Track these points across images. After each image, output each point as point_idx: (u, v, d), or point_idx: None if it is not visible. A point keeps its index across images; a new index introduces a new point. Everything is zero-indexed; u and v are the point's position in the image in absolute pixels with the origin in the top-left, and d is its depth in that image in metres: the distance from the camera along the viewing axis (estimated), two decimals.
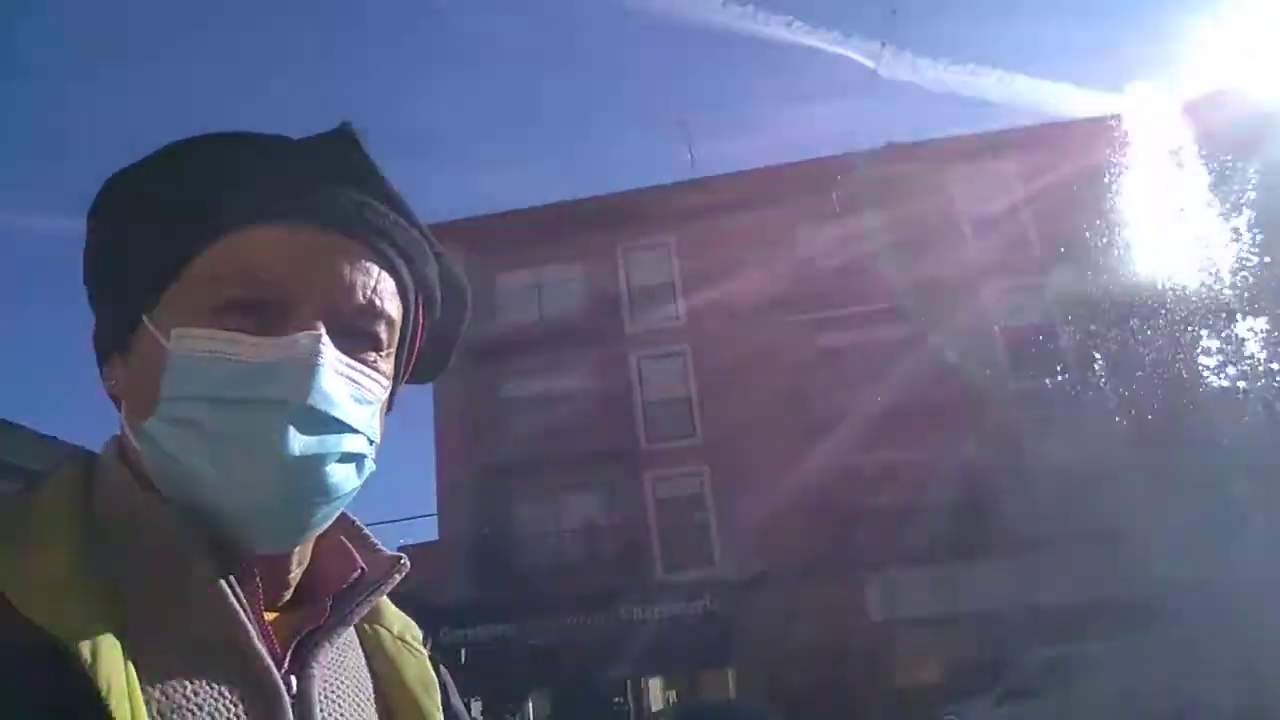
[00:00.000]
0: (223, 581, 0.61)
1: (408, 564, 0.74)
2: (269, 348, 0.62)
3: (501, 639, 20.15)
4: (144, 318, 0.66)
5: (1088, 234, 18.95)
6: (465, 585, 20.60)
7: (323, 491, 0.64)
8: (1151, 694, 11.81)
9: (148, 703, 0.56)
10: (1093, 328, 17.68)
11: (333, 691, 0.68)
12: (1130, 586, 13.30)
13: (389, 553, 0.75)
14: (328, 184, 0.68)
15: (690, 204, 23.63)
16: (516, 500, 21.76)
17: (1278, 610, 10.88)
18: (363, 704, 0.71)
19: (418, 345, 0.77)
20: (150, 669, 0.57)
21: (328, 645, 0.68)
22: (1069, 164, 20.19)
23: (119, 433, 0.69)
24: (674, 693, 20.57)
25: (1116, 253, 17.85)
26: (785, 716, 16.58)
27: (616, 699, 20.23)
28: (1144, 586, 12.85)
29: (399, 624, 0.80)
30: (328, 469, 0.64)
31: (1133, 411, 16.42)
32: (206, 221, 0.65)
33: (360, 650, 0.75)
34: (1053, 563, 15.38)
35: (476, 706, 20.49)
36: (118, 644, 0.55)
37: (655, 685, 20.77)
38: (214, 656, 0.61)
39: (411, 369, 0.78)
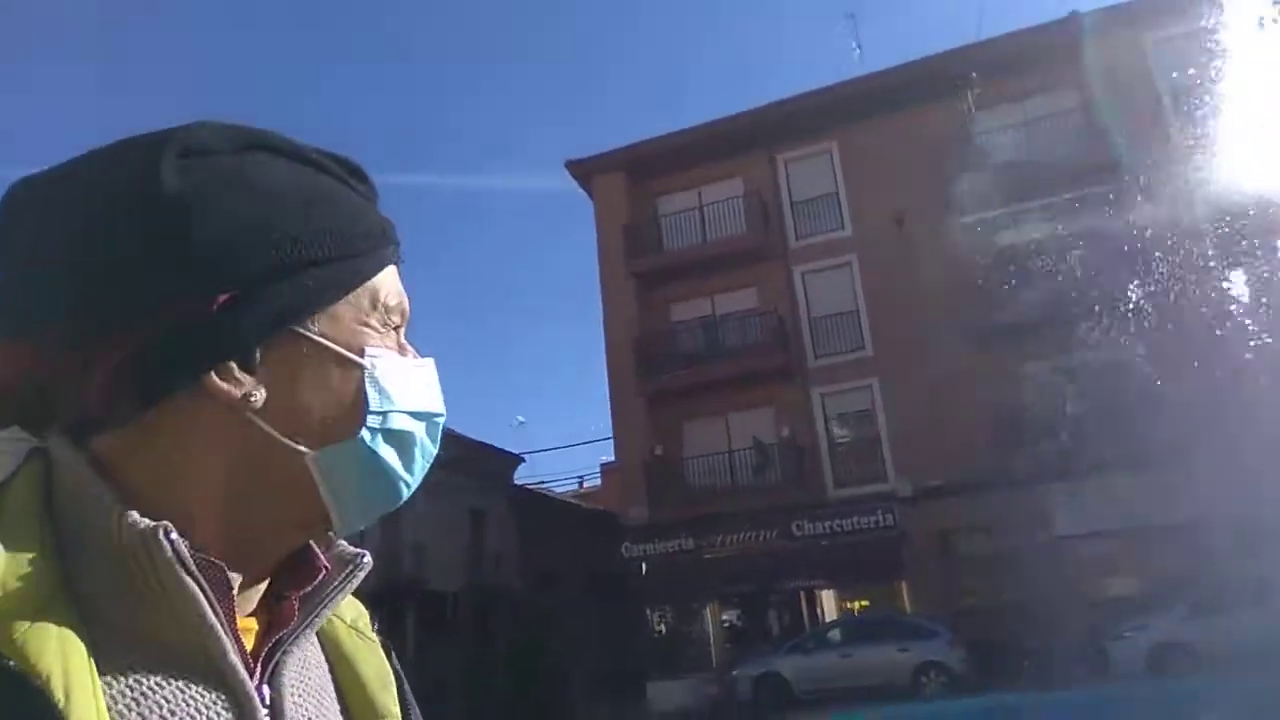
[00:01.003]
0: (195, 589, 0.59)
1: (369, 561, 0.73)
2: (422, 370, 0.71)
3: (679, 554, 20.96)
4: (299, 329, 0.65)
5: None
6: (642, 503, 21.50)
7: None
8: None
9: None
10: None
11: (300, 697, 0.68)
12: None
13: (350, 549, 0.74)
14: (389, 224, 0.74)
15: (851, 105, 22.53)
16: (688, 420, 22.24)
17: None
18: (327, 704, 0.72)
19: None
20: (122, 689, 0.56)
21: (295, 650, 0.68)
22: None
23: (76, 438, 0.64)
24: (847, 604, 20.54)
25: None
26: (956, 630, 16.19)
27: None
28: None
29: (351, 612, 0.80)
30: None
31: None
32: (371, 255, 0.69)
33: (319, 646, 0.75)
34: (1248, 472, 13.76)
35: (659, 616, 21.57)
36: (89, 673, 0.54)
37: (829, 598, 20.82)
38: (188, 671, 0.60)
39: None
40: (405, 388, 0.67)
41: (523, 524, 26.45)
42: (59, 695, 0.51)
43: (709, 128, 23.95)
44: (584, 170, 24.98)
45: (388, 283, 0.70)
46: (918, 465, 19.47)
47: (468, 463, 24.68)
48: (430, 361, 0.72)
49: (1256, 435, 13.63)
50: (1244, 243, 16.70)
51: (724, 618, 21.83)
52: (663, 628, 21.59)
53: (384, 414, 0.66)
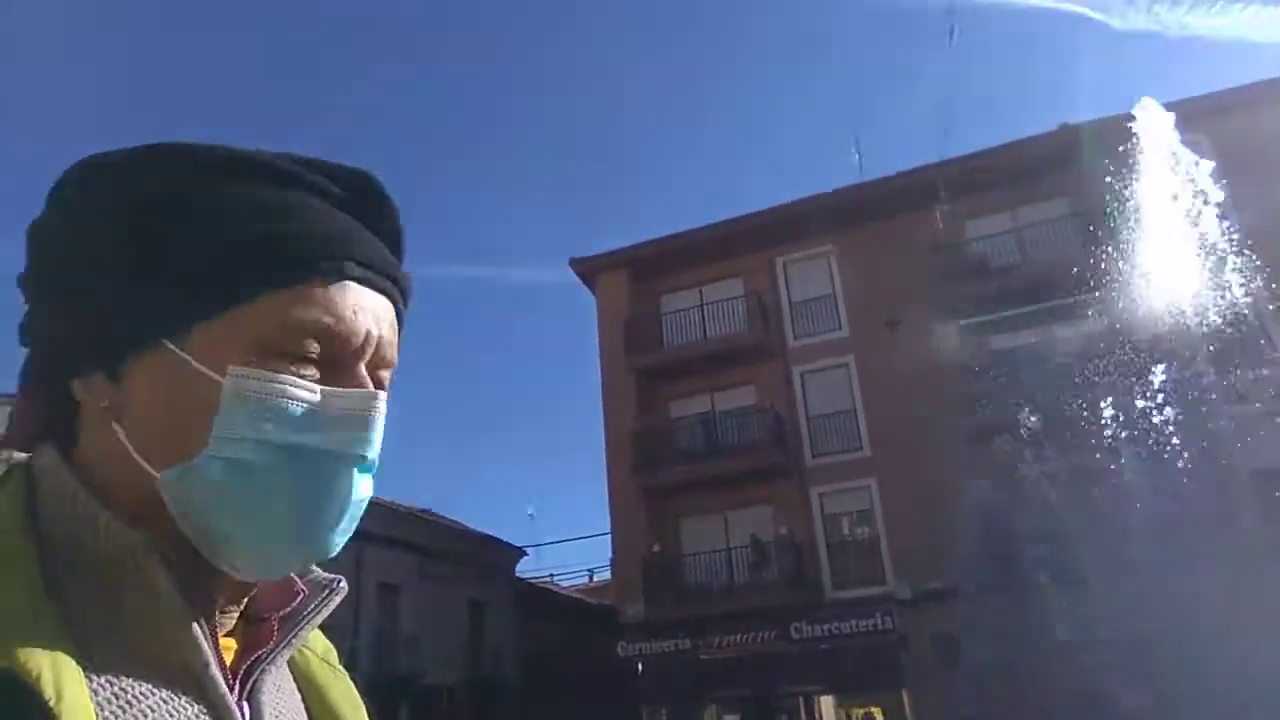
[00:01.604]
0: (180, 601, 0.60)
1: (345, 587, 0.74)
2: (336, 399, 0.64)
3: (675, 653, 20.73)
4: (165, 342, 0.63)
5: None
6: (639, 601, 21.37)
7: (347, 532, 0.66)
8: None
9: None
10: None
11: (277, 715, 0.69)
12: None
13: (324, 575, 0.74)
14: (376, 241, 0.70)
15: (849, 210, 23.22)
16: (686, 517, 22.28)
17: None
18: None
19: None
20: (107, 699, 0.56)
21: (273, 670, 0.69)
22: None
23: (67, 446, 0.66)
24: (845, 712, 20.14)
25: None
26: None
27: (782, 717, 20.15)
28: None
29: (321, 645, 0.81)
30: (354, 514, 0.66)
31: None
32: (282, 263, 0.64)
33: (290, 675, 0.76)
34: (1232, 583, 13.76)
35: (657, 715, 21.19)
36: (81, 679, 0.54)
37: (828, 703, 20.45)
38: (173, 682, 0.60)
39: None
40: (277, 415, 0.62)
41: (523, 617, 26.23)
42: (50, 694, 0.51)
43: (711, 229, 24.67)
44: (587, 268, 25.66)
45: (311, 302, 0.64)
46: (917, 567, 19.39)
47: (468, 554, 24.66)
48: (362, 394, 0.65)
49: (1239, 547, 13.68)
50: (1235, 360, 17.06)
51: None
52: None
53: (236, 440, 0.61)
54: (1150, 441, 17.30)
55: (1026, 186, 21.91)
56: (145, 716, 0.58)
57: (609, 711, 22.35)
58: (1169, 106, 19.30)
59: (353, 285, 0.67)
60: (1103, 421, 17.61)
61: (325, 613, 0.73)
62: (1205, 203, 15.87)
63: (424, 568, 22.80)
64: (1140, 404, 17.63)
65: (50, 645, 0.54)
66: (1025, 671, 16.75)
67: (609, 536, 22.90)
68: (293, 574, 0.72)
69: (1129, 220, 17.92)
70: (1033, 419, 17.66)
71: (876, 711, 20.13)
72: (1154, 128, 16.92)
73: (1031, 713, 15.56)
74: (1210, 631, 14.31)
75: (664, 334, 24.43)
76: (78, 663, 0.55)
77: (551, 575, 31.22)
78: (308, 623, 0.72)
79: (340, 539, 0.66)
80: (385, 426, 0.69)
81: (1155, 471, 17.01)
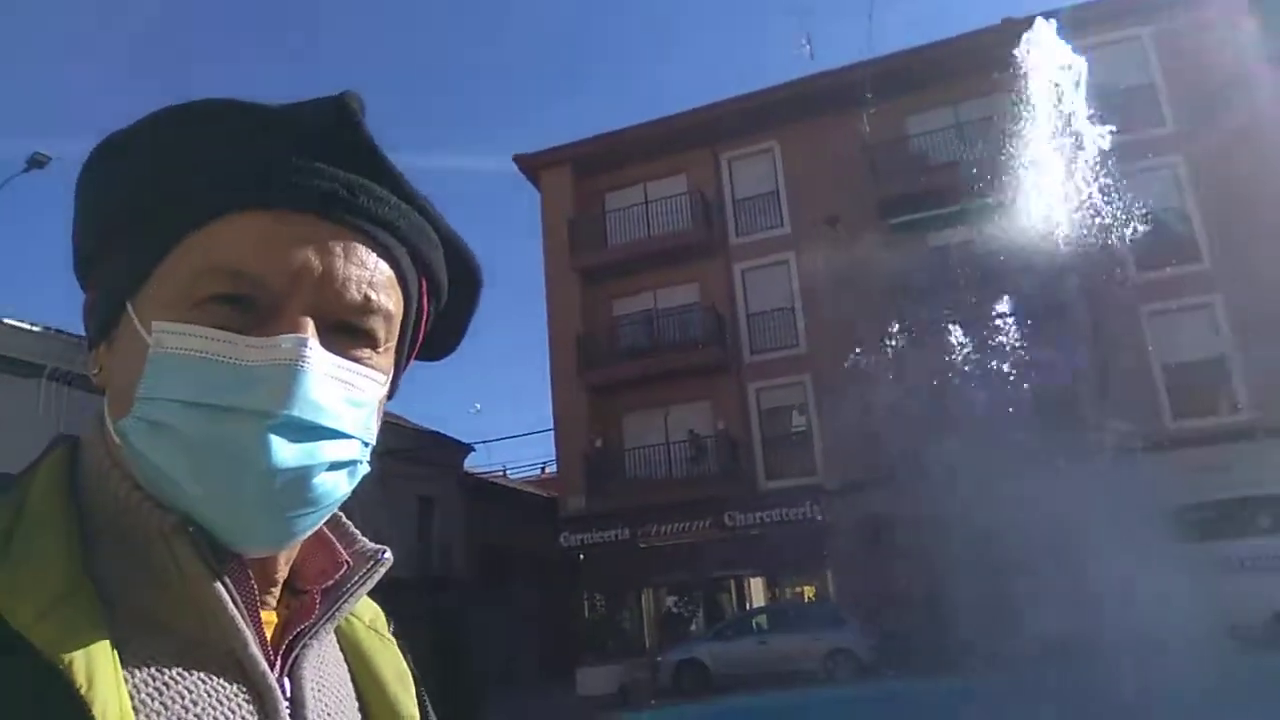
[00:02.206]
0: (219, 585, 0.59)
1: (390, 557, 0.71)
2: (252, 350, 0.58)
3: (615, 543, 21.56)
4: (127, 306, 0.62)
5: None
6: (580, 493, 22.06)
7: (309, 502, 0.61)
8: None
9: (146, 715, 0.55)
10: None
11: (320, 690, 0.67)
12: None
13: (371, 545, 0.72)
14: (321, 164, 0.62)
15: (793, 105, 23.00)
16: (627, 413, 22.79)
17: None
18: (345, 702, 0.71)
19: (422, 334, 0.73)
20: (145, 678, 0.56)
21: (315, 644, 0.67)
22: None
23: (102, 420, 0.64)
24: (774, 592, 21.27)
25: None
26: (873, 619, 16.87)
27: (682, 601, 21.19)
28: None
29: (369, 613, 0.79)
30: (315, 480, 0.60)
31: None
32: (190, 204, 0.61)
33: (337, 643, 0.74)
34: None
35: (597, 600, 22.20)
36: (112, 662, 0.53)
37: (759, 586, 21.53)
38: (210, 662, 0.59)
39: (418, 350, 0.74)
40: (191, 371, 0.58)
41: (472, 511, 26.94)
42: (81, 681, 0.51)
43: (655, 125, 24.36)
44: (531, 165, 25.34)
45: (217, 240, 0.60)
46: (845, 460, 20.11)
47: (415, 451, 25.11)
48: (280, 341, 0.58)
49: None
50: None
51: (666, 604, 22.53)
52: (598, 613, 22.21)
53: (151, 400, 0.58)
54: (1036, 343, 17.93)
55: (969, 82, 21.78)
56: (182, 698, 0.57)
57: (553, 599, 23.35)
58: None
59: (272, 215, 0.60)
60: (1006, 323, 18.09)
61: (369, 584, 0.71)
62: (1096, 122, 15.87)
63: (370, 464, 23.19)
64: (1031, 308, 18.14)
65: (85, 627, 0.53)
66: (937, 558, 17.65)
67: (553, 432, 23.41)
68: (337, 545, 0.71)
69: (1042, 123, 17.99)
70: (955, 318, 18.08)
71: (807, 590, 21.28)
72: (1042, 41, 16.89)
73: (939, 596, 16.49)
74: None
75: (608, 232, 24.40)
76: (113, 644, 0.54)
77: (504, 469, 31.91)
78: (351, 595, 0.69)
79: (295, 514, 0.60)
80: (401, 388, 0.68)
81: (1037, 369, 17.68)
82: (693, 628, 21.23)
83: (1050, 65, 16.84)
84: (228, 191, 0.61)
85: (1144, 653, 9.82)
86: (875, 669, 15.93)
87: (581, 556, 21.83)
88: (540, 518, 26.99)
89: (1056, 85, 16.71)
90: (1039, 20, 17.34)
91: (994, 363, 18.04)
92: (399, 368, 0.71)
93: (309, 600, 0.68)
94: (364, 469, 0.66)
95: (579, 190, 24.76)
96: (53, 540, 0.56)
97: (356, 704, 0.72)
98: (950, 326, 18.07)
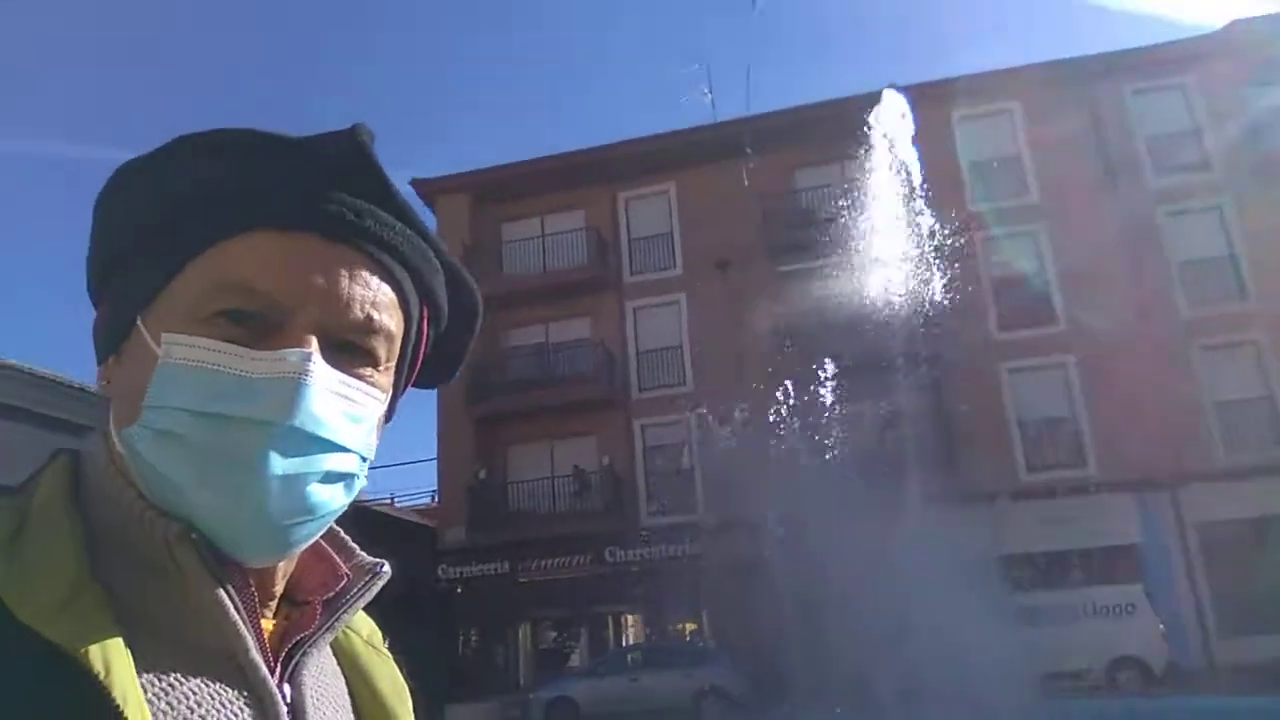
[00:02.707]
0: (220, 590, 0.60)
1: (388, 570, 0.73)
2: (258, 362, 0.60)
3: (494, 576, 21.44)
4: (138, 320, 0.64)
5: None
6: (461, 525, 21.88)
7: (307, 511, 0.62)
8: None
9: (155, 712, 0.56)
10: None
11: (319, 699, 0.68)
12: None
13: (369, 559, 0.74)
14: (331, 189, 0.65)
15: (691, 150, 23.66)
16: (513, 445, 22.78)
17: None
18: (342, 710, 0.72)
19: (421, 357, 0.75)
20: (153, 681, 0.57)
21: (314, 653, 0.69)
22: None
23: (106, 431, 0.66)
24: (650, 629, 21.53)
25: None
26: (743, 656, 17.30)
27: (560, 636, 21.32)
28: None
29: (366, 628, 0.80)
30: (311, 489, 0.62)
31: None
32: (204, 224, 0.63)
33: (333, 657, 0.75)
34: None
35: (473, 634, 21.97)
36: (128, 655, 0.55)
37: (637, 622, 21.78)
38: (213, 667, 0.61)
39: (416, 376, 0.77)
40: (198, 382, 0.60)
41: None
42: (99, 668, 0.52)
43: (557, 159, 24.63)
44: (429, 189, 25.18)
45: (229, 257, 0.63)
46: (723, 499, 20.62)
47: None
48: (285, 355, 0.61)
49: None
50: None
51: (543, 640, 22.48)
52: (472, 648, 21.99)
53: (158, 409, 0.60)
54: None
55: (853, 142, 22.92)
56: (187, 699, 0.58)
57: (427, 633, 22.95)
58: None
59: (282, 236, 0.63)
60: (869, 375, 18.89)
61: (368, 596, 0.72)
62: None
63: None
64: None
65: (97, 622, 0.55)
66: (803, 598, 18.22)
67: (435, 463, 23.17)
68: (336, 558, 0.73)
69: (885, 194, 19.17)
70: (829, 367, 18.86)
71: (687, 626, 21.62)
72: (892, 113, 18.19)
73: (804, 635, 17.06)
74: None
75: (503, 262, 24.45)
76: (123, 640, 0.55)
77: (392, 496, 31.20)
78: (350, 607, 0.71)
79: (296, 524, 0.62)
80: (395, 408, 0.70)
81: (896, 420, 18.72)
82: (571, 663, 21.27)
83: (901, 136, 17.90)
84: (241, 211, 0.63)
85: (972, 693, 10.42)
86: (745, 706, 16.34)
87: (459, 590, 21.61)
88: (422, 548, 26.54)
89: (894, 157, 17.82)
90: (887, 93, 18.39)
91: (855, 411, 18.93)
92: (398, 390, 0.73)
93: (309, 611, 0.70)
94: (361, 483, 0.68)
95: (476, 218, 24.75)
96: (59, 542, 0.58)
97: (354, 716, 0.73)
98: (821, 376, 18.85)
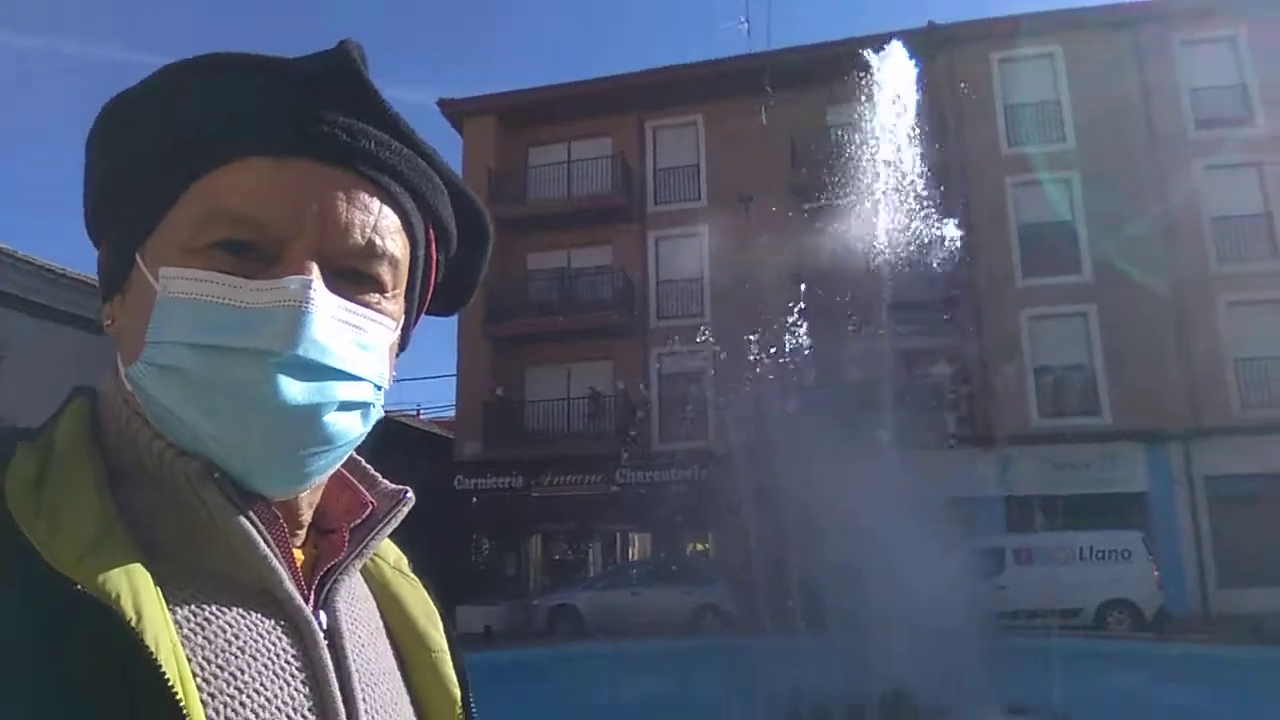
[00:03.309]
0: (246, 522, 0.59)
1: (412, 498, 0.73)
2: (257, 292, 0.58)
3: (508, 490, 22.03)
4: (137, 256, 0.63)
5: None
6: (478, 439, 22.42)
7: (322, 442, 0.61)
8: None
9: (192, 649, 0.55)
10: None
11: (354, 623, 0.68)
12: None
13: (392, 486, 0.74)
14: (322, 111, 0.63)
15: (722, 82, 23.38)
16: (531, 366, 23.16)
17: None
18: (377, 636, 0.72)
19: (432, 282, 0.73)
20: (186, 616, 0.57)
21: (346, 580, 0.68)
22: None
23: (116, 370, 0.64)
24: (657, 548, 22.12)
25: None
26: (743, 577, 17.74)
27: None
28: None
29: (394, 554, 0.80)
30: (325, 419, 0.61)
31: None
32: (194, 154, 0.62)
33: (364, 583, 0.75)
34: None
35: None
36: (158, 597, 0.54)
37: (644, 540, 22.35)
38: (246, 599, 0.60)
39: (430, 302, 0.75)
40: (197, 314, 0.59)
41: (369, 448, 26.94)
42: (130, 613, 0.51)
43: (586, 85, 24.45)
44: (457, 110, 25.18)
45: (220, 185, 0.61)
46: (734, 428, 20.91)
47: None
48: (284, 283, 0.59)
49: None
50: None
51: (553, 553, 23.19)
52: (485, 556, 22.71)
53: (158, 345, 0.59)
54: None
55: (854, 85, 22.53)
56: (224, 632, 0.58)
57: (444, 539, 23.70)
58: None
59: (274, 162, 0.61)
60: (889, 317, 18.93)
61: (395, 523, 0.72)
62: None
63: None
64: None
65: (126, 565, 0.54)
66: (806, 525, 18.54)
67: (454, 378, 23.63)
68: (359, 486, 0.73)
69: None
70: (847, 302, 18.87)
71: (692, 548, 22.16)
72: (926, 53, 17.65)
73: (804, 560, 17.44)
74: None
75: (529, 186, 24.51)
76: (156, 588, 0.55)
77: (419, 408, 31.93)
78: (378, 533, 0.71)
79: (311, 454, 0.62)
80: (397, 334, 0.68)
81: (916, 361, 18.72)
82: (579, 575, 21.93)
83: (936, 77, 17.51)
84: (229, 139, 0.61)
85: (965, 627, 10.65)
86: (739, 625, 16.83)
87: (474, 500, 22.23)
88: (442, 459, 27.25)
89: (928, 97, 17.43)
90: (922, 31, 18.04)
91: (871, 350, 19.01)
92: (410, 317, 0.71)
93: (337, 538, 0.69)
94: (377, 412, 0.66)
95: (502, 141, 24.75)
96: (84, 484, 0.57)
97: (386, 638, 0.73)
98: (838, 314, 18.90)
